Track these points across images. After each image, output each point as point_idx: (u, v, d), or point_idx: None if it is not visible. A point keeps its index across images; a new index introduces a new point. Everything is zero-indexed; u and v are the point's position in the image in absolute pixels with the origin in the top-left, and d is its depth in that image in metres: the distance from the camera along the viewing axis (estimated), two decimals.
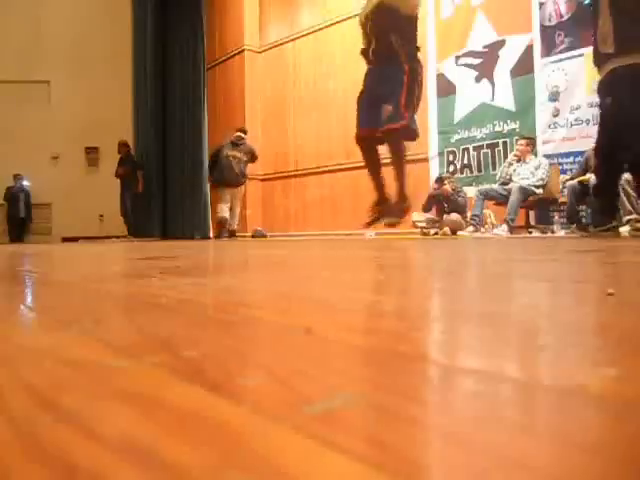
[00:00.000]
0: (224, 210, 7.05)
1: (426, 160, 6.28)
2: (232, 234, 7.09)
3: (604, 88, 3.30)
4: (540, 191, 5.02)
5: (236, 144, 7.03)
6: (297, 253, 2.28)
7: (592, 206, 3.97)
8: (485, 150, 5.84)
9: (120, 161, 8.53)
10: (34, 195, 9.97)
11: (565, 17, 5.26)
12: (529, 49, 5.43)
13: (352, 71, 7.19)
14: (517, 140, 5.27)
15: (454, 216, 5.44)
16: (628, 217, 4.27)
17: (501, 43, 5.64)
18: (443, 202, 5.62)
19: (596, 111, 5.07)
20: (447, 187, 5.54)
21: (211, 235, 8.11)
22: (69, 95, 9.96)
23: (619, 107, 3.15)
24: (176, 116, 8.66)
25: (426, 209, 5.71)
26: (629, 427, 0.21)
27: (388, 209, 3.37)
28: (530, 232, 5.05)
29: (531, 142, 5.16)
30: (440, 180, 5.62)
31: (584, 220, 4.98)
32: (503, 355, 0.35)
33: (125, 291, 0.83)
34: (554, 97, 5.36)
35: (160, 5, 8.90)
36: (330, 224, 7.20)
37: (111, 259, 2.26)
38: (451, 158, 6.15)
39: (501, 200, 5.12)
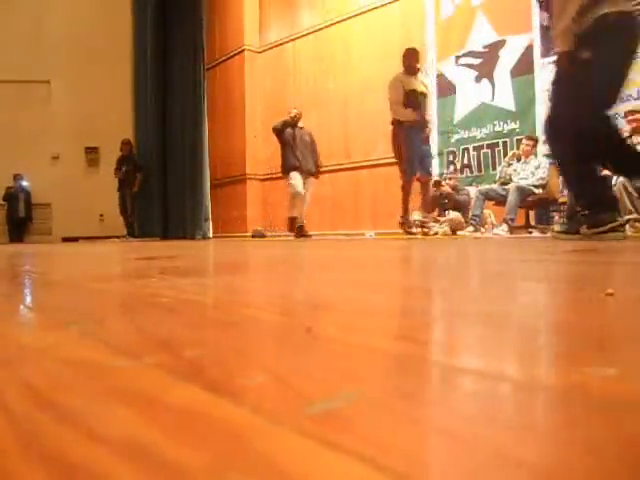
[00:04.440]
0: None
1: None
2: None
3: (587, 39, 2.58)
4: (540, 191, 5.03)
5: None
6: (297, 253, 2.28)
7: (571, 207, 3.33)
8: (485, 150, 5.85)
9: (122, 160, 8.53)
10: (34, 195, 9.97)
11: None
12: (529, 49, 5.44)
13: (352, 71, 7.22)
14: (522, 139, 5.26)
15: (454, 215, 5.45)
16: (628, 217, 4.27)
17: (501, 43, 5.65)
18: (444, 199, 5.68)
19: None
20: (445, 187, 5.63)
21: (210, 235, 8.11)
22: (69, 95, 9.96)
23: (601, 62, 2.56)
24: (176, 116, 8.66)
25: (429, 210, 5.74)
26: (629, 427, 0.21)
27: None
28: (530, 232, 5.05)
29: (536, 143, 5.18)
30: (437, 183, 5.70)
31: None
32: (503, 355, 0.35)
33: (125, 291, 0.83)
34: None
35: (160, 5, 8.90)
36: (330, 224, 7.20)
37: (111, 259, 2.26)
38: (451, 158, 6.16)
39: (501, 200, 5.13)
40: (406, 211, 4.84)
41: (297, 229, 5.81)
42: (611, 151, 2.77)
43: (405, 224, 4.89)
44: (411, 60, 4.78)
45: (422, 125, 4.75)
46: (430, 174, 5.01)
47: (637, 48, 2.63)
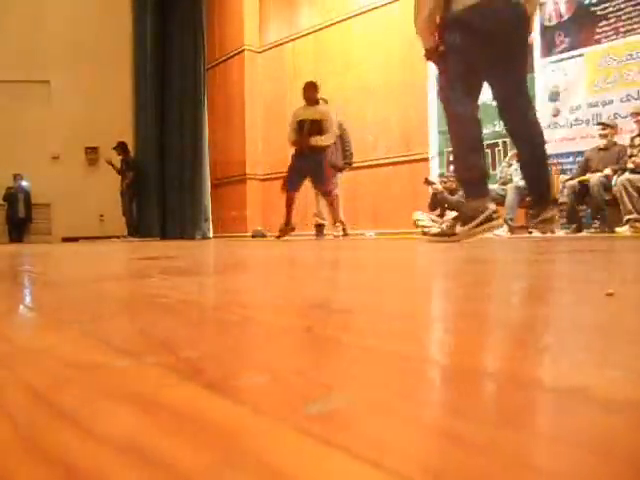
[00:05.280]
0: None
1: (426, 160, 6.29)
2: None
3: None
4: None
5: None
6: (296, 253, 2.28)
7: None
8: (485, 150, 5.84)
9: (126, 164, 8.61)
10: (34, 195, 9.97)
11: (565, 17, 5.26)
12: (529, 49, 5.44)
13: (352, 71, 7.22)
14: None
15: (454, 215, 5.47)
16: (628, 217, 4.28)
17: None
18: (440, 199, 5.72)
19: (596, 111, 5.08)
20: (437, 186, 5.66)
21: (210, 235, 8.10)
22: (69, 95, 9.95)
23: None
24: (176, 116, 8.66)
25: (431, 208, 5.76)
26: (633, 429, 0.21)
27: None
28: (530, 232, 5.06)
29: None
30: (427, 181, 5.75)
31: (584, 220, 4.99)
32: (506, 355, 0.35)
33: (125, 291, 0.83)
34: (554, 97, 5.36)
35: (160, 5, 8.91)
36: (329, 224, 7.20)
37: (111, 259, 2.26)
38: (451, 158, 6.15)
39: (500, 200, 5.14)
40: (287, 220, 5.40)
41: (316, 227, 5.82)
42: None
43: (282, 231, 5.42)
44: (308, 93, 5.22)
45: (318, 150, 5.04)
46: (325, 191, 5.24)
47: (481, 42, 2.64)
